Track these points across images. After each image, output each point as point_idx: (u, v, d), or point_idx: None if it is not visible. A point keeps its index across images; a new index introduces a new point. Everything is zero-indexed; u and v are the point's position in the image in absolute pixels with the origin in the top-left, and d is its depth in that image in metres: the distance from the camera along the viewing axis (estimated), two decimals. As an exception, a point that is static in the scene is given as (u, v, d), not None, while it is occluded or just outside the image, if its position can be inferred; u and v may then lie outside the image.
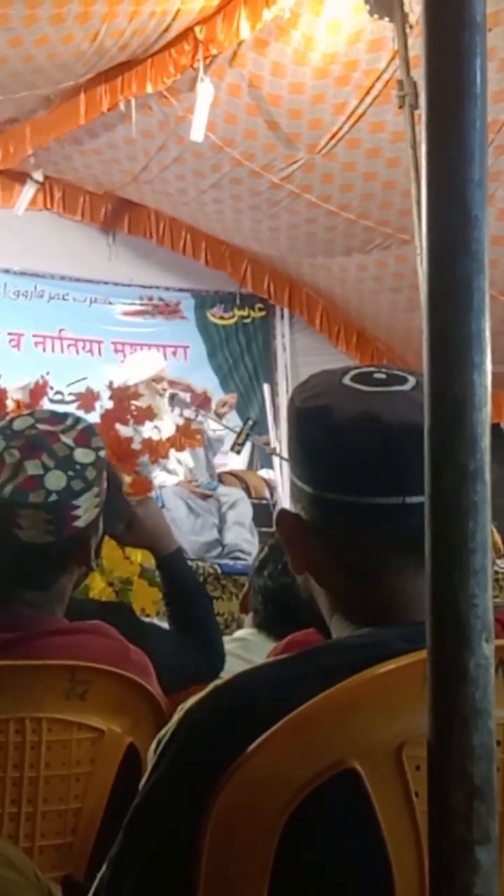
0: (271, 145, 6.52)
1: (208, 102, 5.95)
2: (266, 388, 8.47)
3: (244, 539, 5.81)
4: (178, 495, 5.86)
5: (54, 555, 1.81)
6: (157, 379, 6.23)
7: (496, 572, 5.31)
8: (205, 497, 6.00)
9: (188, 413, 6.46)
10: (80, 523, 1.79)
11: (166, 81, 6.07)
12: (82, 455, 1.80)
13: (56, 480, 1.76)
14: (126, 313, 8.68)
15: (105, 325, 8.57)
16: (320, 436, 1.13)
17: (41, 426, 1.83)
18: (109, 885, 1.05)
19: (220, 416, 6.49)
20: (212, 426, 6.39)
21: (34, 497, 1.75)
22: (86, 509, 1.79)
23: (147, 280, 8.69)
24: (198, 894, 0.97)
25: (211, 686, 1.07)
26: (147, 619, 2.57)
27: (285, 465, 6.14)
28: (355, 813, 0.96)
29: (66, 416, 1.88)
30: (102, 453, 1.84)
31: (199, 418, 6.41)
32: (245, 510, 6.02)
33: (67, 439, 1.81)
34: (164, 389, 6.26)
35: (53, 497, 1.75)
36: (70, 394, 7.24)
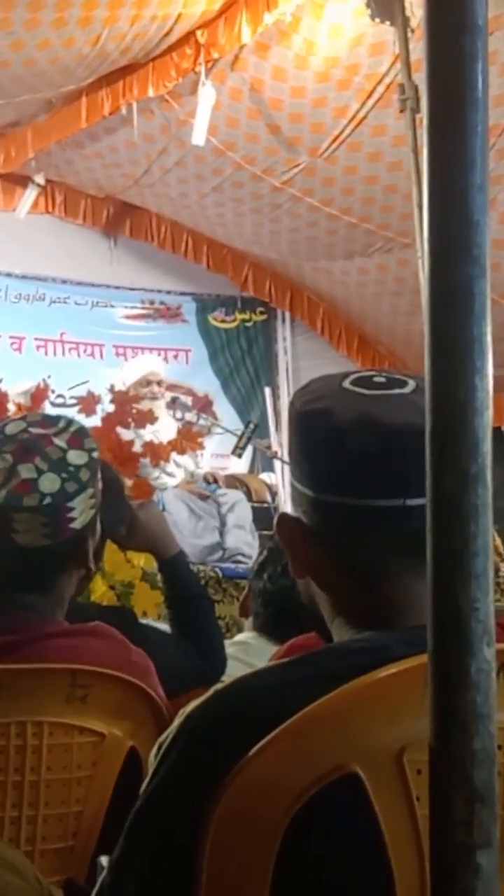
0: (273, 149, 6.52)
1: (210, 106, 5.95)
2: (267, 391, 8.47)
3: (245, 542, 5.81)
4: (180, 498, 5.86)
5: (52, 557, 1.81)
6: (154, 381, 6.25)
7: (498, 576, 5.31)
8: (203, 497, 6.00)
9: (189, 416, 6.47)
10: (76, 525, 1.79)
11: (168, 85, 6.08)
12: (75, 457, 1.80)
13: (50, 483, 1.76)
14: (127, 317, 8.67)
15: (106, 328, 8.56)
16: (320, 439, 1.13)
17: (33, 430, 1.83)
18: (111, 889, 1.05)
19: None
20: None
21: (29, 500, 1.75)
22: (81, 510, 1.79)
23: (148, 283, 8.69)
24: (199, 898, 0.97)
25: (212, 690, 1.07)
26: (148, 622, 2.57)
27: (286, 468, 6.14)
28: (356, 817, 0.96)
29: (58, 418, 1.88)
30: (95, 454, 1.84)
31: (201, 421, 6.41)
32: (244, 513, 6.02)
33: (60, 442, 1.81)
34: (162, 393, 6.28)
35: (48, 500, 1.75)
36: (71, 397, 7.25)
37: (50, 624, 1.82)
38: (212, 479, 6.21)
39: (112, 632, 1.84)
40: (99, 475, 1.85)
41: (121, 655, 1.81)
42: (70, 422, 1.87)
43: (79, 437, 1.83)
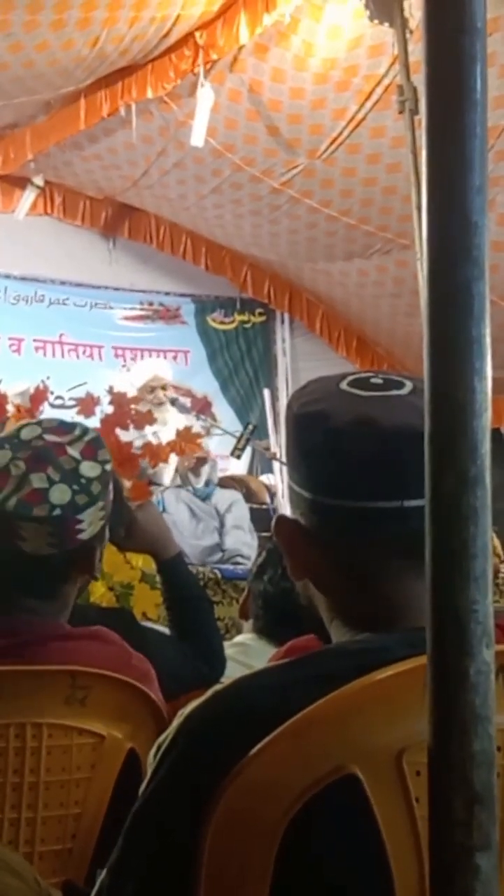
0: (272, 150, 6.53)
1: (208, 108, 5.95)
2: (266, 392, 8.47)
3: (243, 542, 5.80)
4: (181, 499, 5.86)
5: (57, 566, 1.81)
6: (158, 386, 6.25)
7: (496, 577, 5.31)
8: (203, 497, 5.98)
9: (188, 418, 6.46)
10: (83, 536, 1.78)
11: (166, 87, 6.08)
12: (88, 469, 1.79)
13: (60, 494, 1.76)
14: (126, 318, 8.68)
15: (105, 329, 8.57)
16: (318, 440, 1.13)
17: (48, 437, 1.82)
18: (110, 891, 1.05)
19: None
20: None
21: (38, 511, 1.74)
22: (90, 523, 1.78)
23: (147, 285, 8.70)
24: (198, 900, 0.97)
25: (211, 691, 1.07)
26: (148, 625, 2.57)
27: (285, 469, 6.12)
28: (355, 818, 0.96)
29: (73, 426, 1.86)
30: (108, 466, 1.83)
31: (200, 423, 6.40)
32: (241, 513, 6.00)
33: (74, 452, 1.80)
34: (167, 396, 6.28)
35: (57, 511, 1.75)
36: (70, 398, 7.25)
37: (52, 627, 1.82)
38: (196, 464, 6.05)
39: (113, 636, 1.84)
40: (111, 486, 1.85)
41: (121, 659, 1.81)
42: (85, 430, 1.85)
43: (93, 447, 1.83)
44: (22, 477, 1.76)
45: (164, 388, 6.35)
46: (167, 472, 5.96)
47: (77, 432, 1.84)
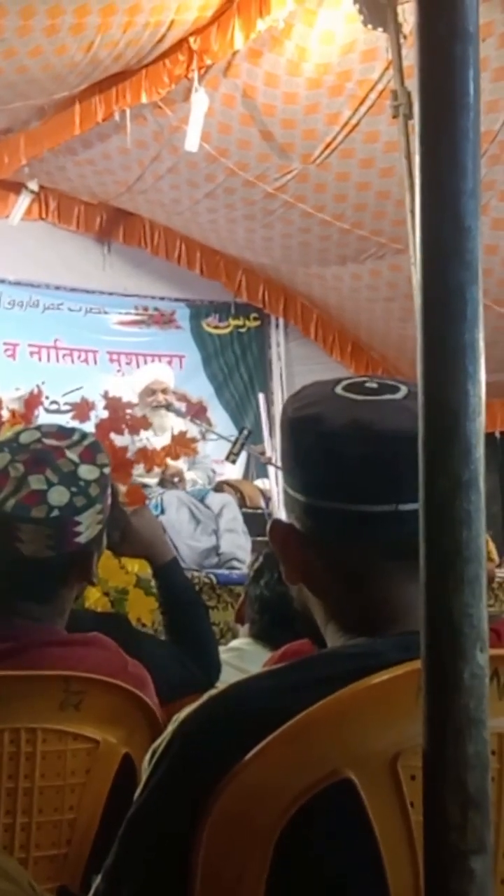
0: (265, 155, 6.53)
1: (202, 112, 5.95)
2: (261, 397, 8.47)
3: (238, 546, 5.80)
4: (182, 501, 5.86)
5: (55, 569, 1.81)
6: (158, 390, 6.26)
7: (491, 581, 5.31)
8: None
9: (184, 423, 6.46)
10: (81, 539, 1.79)
11: (161, 92, 6.08)
12: (86, 471, 1.80)
13: (59, 496, 1.76)
14: (121, 323, 8.68)
15: (100, 334, 8.56)
16: (312, 444, 1.13)
17: (47, 441, 1.83)
18: (105, 895, 1.05)
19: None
20: None
21: (36, 512, 1.75)
22: (87, 525, 1.79)
23: (142, 290, 8.69)
24: (193, 905, 0.97)
25: (206, 696, 1.07)
26: (144, 631, 2.57)
27: (281, 474, 6.10)
28: (350, 822, 0.96)
29: (72, 431, 1.88)
30: (107, 470, 1.84)
31: (195, 427, 6.40)
32: (232, 515, 6.00)
33: (73, 455, 1.81)
34: (167, 399, 6.29)
35: (55, 513, 1.75)
36: (65, 403, 7.24)
37: (48, 633, 1.82)
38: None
39: (109, 642, 1.84)
40: (109, 491, 1.85)
41: (116, 665, 1.81)
42: (84, 435, 1.87)
43: (92, 451, 1.84)
44: (20, 479, 1.77)
45: (164, 391, 6.35)
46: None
47: (76, 437, 1.85)
